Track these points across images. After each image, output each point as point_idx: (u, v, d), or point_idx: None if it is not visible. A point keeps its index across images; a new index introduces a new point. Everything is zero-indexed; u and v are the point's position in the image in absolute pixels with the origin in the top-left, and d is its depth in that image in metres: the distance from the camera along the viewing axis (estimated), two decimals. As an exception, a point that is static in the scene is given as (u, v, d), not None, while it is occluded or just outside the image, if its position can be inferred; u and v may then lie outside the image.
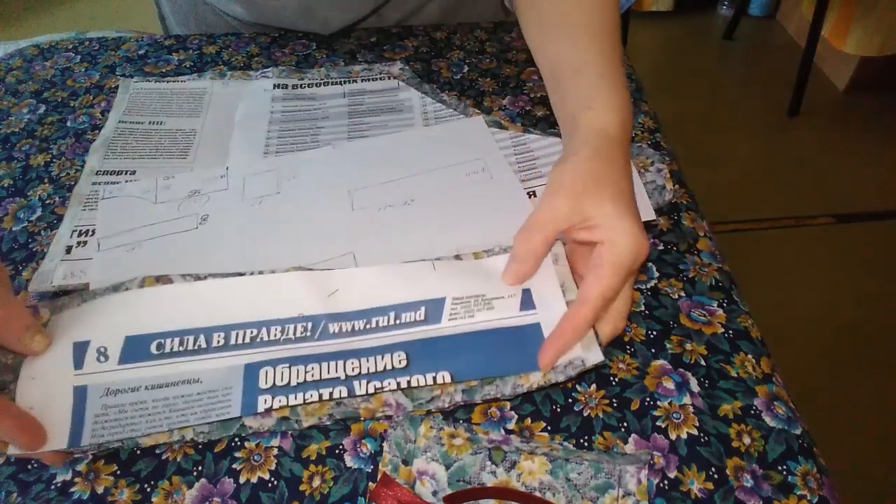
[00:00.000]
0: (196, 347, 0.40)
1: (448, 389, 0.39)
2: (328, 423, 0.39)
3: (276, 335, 0.41)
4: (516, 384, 0.39)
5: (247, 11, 0.70)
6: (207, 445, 0.39)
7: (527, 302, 0.41)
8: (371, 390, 0.38)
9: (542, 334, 0.40)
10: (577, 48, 0.48)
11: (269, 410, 0.37)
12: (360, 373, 0.39)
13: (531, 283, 0.42)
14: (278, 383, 0.38)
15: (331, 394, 0.38)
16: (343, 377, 0.38)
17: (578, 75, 0.47)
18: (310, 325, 0.41)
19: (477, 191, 0.51)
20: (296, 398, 0.37)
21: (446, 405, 0.39)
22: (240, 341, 0.40)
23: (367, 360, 0.39)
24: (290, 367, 0.39)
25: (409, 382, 0.38)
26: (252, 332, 0.41)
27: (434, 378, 0.38)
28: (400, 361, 0.39)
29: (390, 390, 0.38)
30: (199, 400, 0.38)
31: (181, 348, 0.40)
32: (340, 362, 0.39)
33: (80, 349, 0.40)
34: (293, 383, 0.38)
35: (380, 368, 0.39)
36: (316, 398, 0.38)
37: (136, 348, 0.40)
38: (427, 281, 0.42)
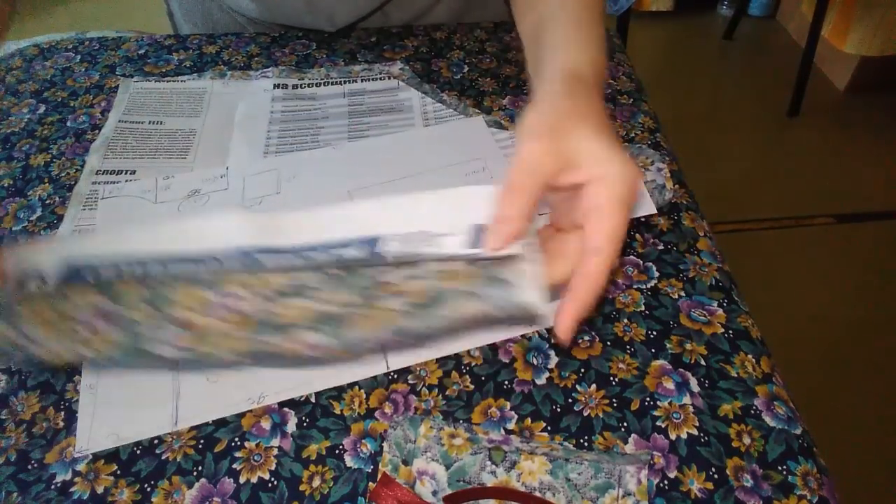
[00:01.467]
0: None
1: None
2: (248, 363, 0.37)
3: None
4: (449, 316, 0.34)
5: (256, 6, 0.70)
6: (207, 445, 0.39)
7: (475, 241, 0.35)
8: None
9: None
10: (553, 3, 0.46)
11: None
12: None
13: (485, 218, 0.36)
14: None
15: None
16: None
17: (554, 24, 0.45)
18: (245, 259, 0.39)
19: (477, 191, 0.51)
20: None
21: (376, 348, 0.35)
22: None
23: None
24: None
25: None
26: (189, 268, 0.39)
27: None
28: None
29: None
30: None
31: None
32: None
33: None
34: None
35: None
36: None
37: (75, 274, 0.39)
38: (358, 218, 0.38)
